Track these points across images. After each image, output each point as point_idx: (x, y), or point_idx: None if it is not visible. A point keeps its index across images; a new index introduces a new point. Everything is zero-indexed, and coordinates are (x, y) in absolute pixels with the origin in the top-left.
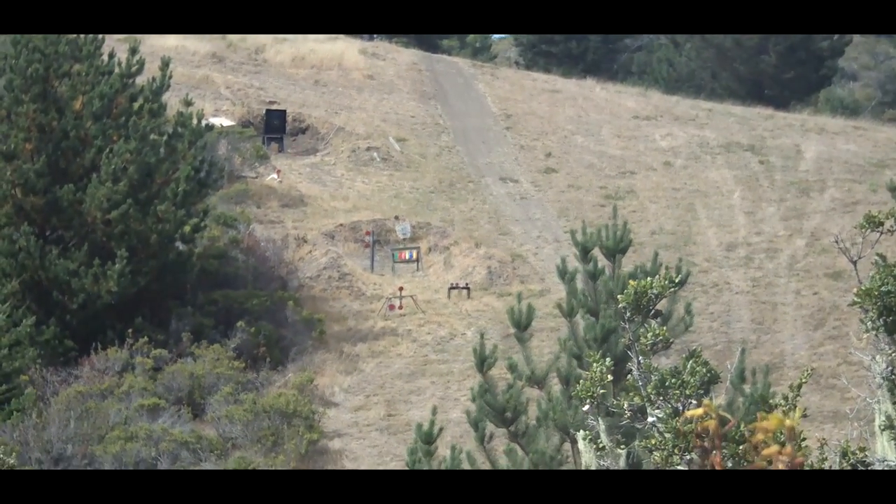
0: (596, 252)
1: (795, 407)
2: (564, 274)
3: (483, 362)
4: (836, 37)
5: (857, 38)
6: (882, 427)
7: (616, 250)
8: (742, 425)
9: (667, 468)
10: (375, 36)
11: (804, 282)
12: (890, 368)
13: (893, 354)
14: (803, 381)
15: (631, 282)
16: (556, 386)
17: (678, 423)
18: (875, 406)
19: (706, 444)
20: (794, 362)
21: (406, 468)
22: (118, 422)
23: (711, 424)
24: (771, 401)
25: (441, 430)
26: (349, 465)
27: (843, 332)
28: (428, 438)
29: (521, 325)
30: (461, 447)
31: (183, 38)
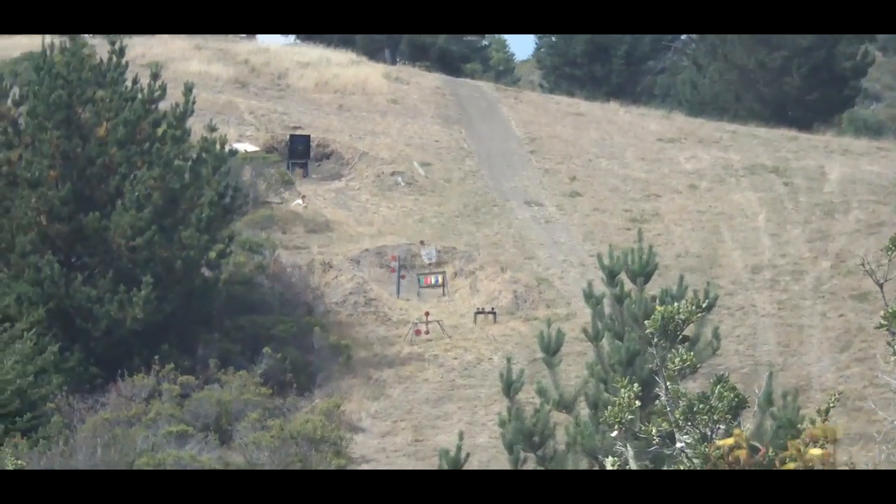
0: (622, 276)
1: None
2: (590, 298)
3: (510, 387)
4: (859, 57)
5: (880, 58)
6: None
7: (642, 274)
8: (771, 451)
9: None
10: (399, 59)
11: (830, 304)
12: None
13: None
14: (831, 404)
15: (658, 307)
16: (583, 410)
17: (707, 449)
18: None
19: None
20: (821, 385)
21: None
22: (145, 449)
23: (742, 454)
24: (799, 425)
25: (468, 455)
26: None
27: (870, 355)
28: (455, 465)
29: (550, 350)
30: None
31: (206, 63)
